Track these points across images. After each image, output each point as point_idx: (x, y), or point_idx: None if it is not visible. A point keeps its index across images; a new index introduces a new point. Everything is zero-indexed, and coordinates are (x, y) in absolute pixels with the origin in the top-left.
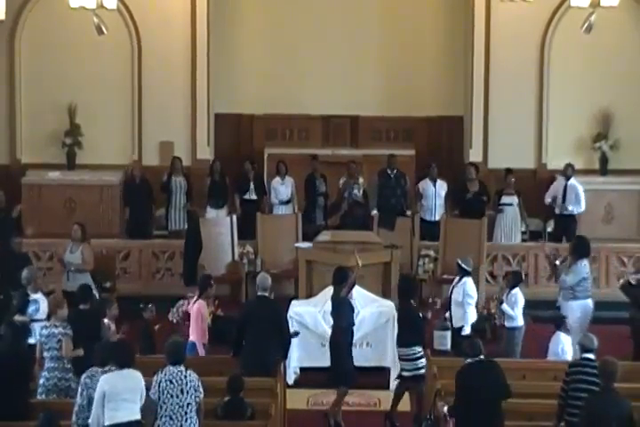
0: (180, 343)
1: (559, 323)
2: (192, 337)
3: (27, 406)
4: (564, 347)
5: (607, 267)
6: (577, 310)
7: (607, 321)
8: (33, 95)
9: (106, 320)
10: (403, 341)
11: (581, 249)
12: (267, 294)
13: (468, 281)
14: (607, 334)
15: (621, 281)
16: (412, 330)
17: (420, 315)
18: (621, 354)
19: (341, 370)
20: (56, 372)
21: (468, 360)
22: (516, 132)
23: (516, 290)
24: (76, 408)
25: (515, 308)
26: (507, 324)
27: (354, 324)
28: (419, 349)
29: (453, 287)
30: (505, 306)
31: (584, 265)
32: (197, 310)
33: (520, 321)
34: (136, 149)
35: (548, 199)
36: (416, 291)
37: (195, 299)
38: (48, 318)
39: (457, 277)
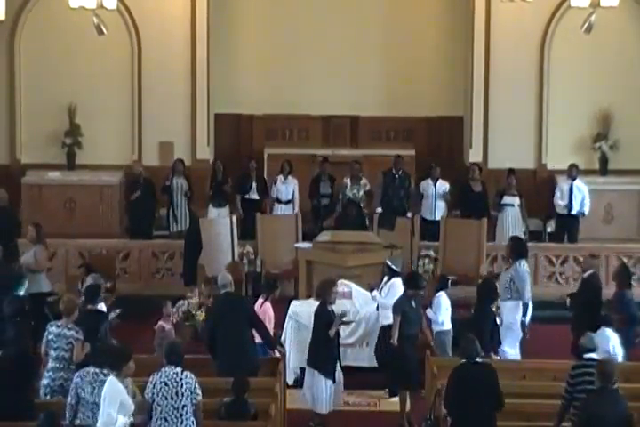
0: (178, 344)
1: (607, 320)
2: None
3: (31, 405)
4: (614, 344)
5: (607, 267)
6: (517, 309)
7: None
8: (33, 95)
9: (160, 322)
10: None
11: (519, 250)
12: (229, 290)
13: (396, 282)
14: None
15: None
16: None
17: (497, 321)
18: None
19: (409, 373)
20: (62, 372)
21: (463, 361)
22: (516, 132)
23: (440, 293)
24: (67, 407)
25: (438, 312)
26: (433, 328)
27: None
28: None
29: (382, 288)
30: (428, 310)
31: (524, 265)
32: (264, 311)
33: (447, 325)
34: (136, 149)
35: (560, 202)
36: (496, 295)
37: (262, 301)
38: (59, 317)
39: (385, 278)
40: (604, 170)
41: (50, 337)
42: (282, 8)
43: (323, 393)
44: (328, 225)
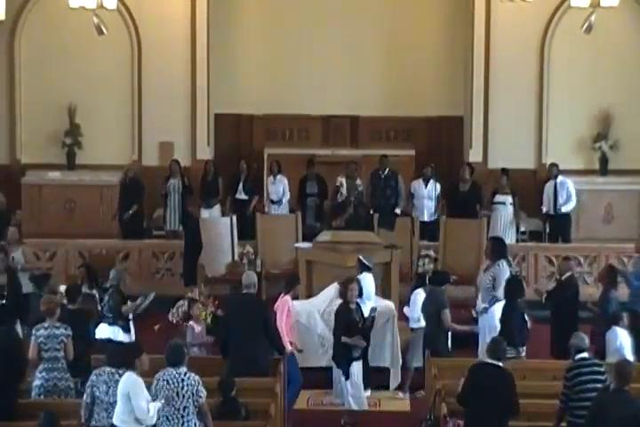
0: (180, 345)
1: (617, 319)
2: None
3: (16, 406)
4: (622, 341)
5: None
6: (499, 311)
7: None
8: (33, 95)
9: (191, 322)
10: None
11: (501, 250)
12: (251, 291)
13: (366, 277)
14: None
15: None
16: (507, 331)
17: (525, 317)
18: None
19: None
20: (55, 372)
21: (486, 360)
22: (516, 132)
23: (418, 291)
24: (82, 405)
25: (414, 309)
26: (411, 325)
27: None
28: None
29: None
30: (405, 308)
31: (504, 266)
32: (284, 303)
33: (422, 322)
34: (136, 149)
35: (543, 208)
36: (523, 292)
37: (282, 294)
38: (43, 319)
39: (358, 273)
40: (604, 170)
41: (40, 340)
42: (282, 8)
43: (345, 390)
44: (339, 225)
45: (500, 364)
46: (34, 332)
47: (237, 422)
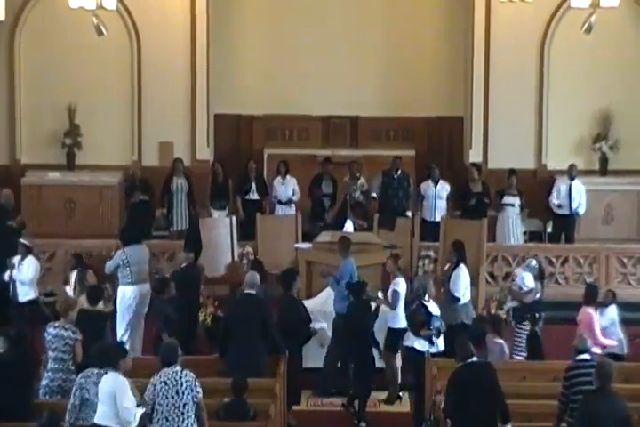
0: (173, 344)
1: None
2: None
3: (29, 406)
4: None
5: (607, 267)
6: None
7: None
8: (33, 95)
9: None
10: None
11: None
12: (253, 292)
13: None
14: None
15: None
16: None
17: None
18: None
19: None
20: (60, 373)
21: (460, 363)
22: (516, 132)
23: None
24: (68, 407)
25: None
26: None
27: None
28: None
29: None
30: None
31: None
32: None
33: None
34: (136, 150)
35: (555, 201)
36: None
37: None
38: (57, 318)
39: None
40: (603, 170)
41: (48, 338)
42: (282, 8)
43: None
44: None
45: (474, 359)
46: (46, 328)
47: (241, 422)
